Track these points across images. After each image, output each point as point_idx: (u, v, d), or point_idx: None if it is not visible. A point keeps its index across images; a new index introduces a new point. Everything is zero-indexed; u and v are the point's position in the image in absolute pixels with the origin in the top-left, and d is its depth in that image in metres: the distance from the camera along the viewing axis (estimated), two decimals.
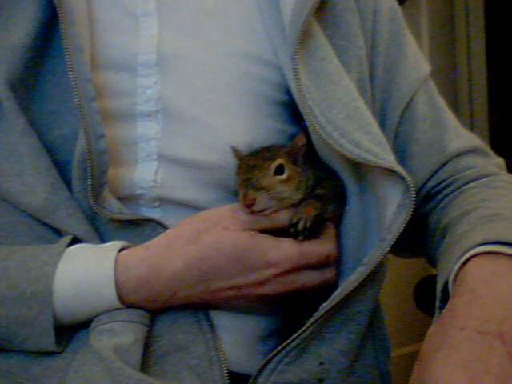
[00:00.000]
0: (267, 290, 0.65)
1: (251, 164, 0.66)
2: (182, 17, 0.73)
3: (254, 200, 0.64)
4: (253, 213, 0.65)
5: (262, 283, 0.65)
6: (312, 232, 0.66)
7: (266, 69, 0.72)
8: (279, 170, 0.66)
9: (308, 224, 0.65)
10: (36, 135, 0.66)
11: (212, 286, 0.64)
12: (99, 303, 0.63)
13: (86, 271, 0.63)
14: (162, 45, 0.71)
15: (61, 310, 0.62)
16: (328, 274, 0.68)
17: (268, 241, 0.65)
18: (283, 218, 0.66)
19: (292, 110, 0.72)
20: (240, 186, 0.65)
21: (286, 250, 0.65)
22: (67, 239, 0.65)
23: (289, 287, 0.66)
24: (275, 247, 0.64)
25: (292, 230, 0.65)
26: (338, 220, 0.70)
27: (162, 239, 0.65)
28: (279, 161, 0.66)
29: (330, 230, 0.69)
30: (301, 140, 0.68)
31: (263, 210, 0.65)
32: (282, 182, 0.66)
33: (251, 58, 0.72)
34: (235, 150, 0.68)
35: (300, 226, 0.65)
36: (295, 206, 0.66)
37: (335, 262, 0.68)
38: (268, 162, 0.66)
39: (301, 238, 0.65)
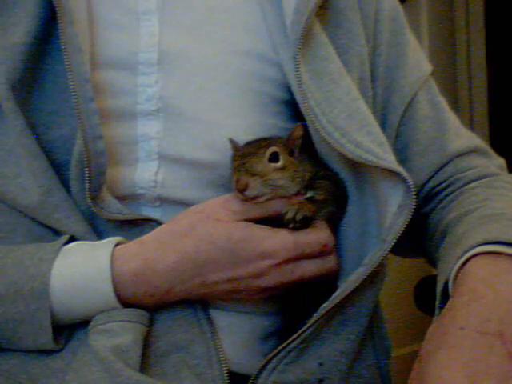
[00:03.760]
0: (266, 281, 0.65)
1: (247, 151, 0.65)
2: (183, 14, 0.73)
3: (247, 185, 0.63)
4: (246, 199, 0.64)
5: (259, 275, 0.64)
6: (304, 225, 0.65)
7: (268, 67, 0.72)
8: (274, 158, 0.65)
9: (298, 216, 0.64)
10: (34, 136, 0.66)
11: (208, 280, 0.64)
12: (96, 299, 0.63)
13: (82, 267, 0.63)
14: (164, 43, 0.71)
15: (58, 306, 0.62)
16: (328, 263, 0.67)
17: (262, 231, 0.64)
18: (276, 207, 0.65)
19: (294, 108, 0.71)
20: (233, 172, 0.64)
21: (280, 239, 0.64)
22: (64, 238, 0.65)
23: (288, 278, 0.65)
24: (270, 237, 0.64)
25: (284, 219, 0.64)
26: (334, 220, 0.70)
27: (155, 234, 0.65)
28: (274, 148, 0.65)
29: (321, 221, 0.68)
30: (298, 131, 0.67)
31: (256, 197, 0.64)
32: (277, 169, 0.65)
33: (253, 56, 0.72)
34: (233, 142, 0.68)
35: (290, 214, 0.64)
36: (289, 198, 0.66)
37: (335, 251, 0.67)
38: (263, 149, 0.65)
39: (291, 226, 0.64)
